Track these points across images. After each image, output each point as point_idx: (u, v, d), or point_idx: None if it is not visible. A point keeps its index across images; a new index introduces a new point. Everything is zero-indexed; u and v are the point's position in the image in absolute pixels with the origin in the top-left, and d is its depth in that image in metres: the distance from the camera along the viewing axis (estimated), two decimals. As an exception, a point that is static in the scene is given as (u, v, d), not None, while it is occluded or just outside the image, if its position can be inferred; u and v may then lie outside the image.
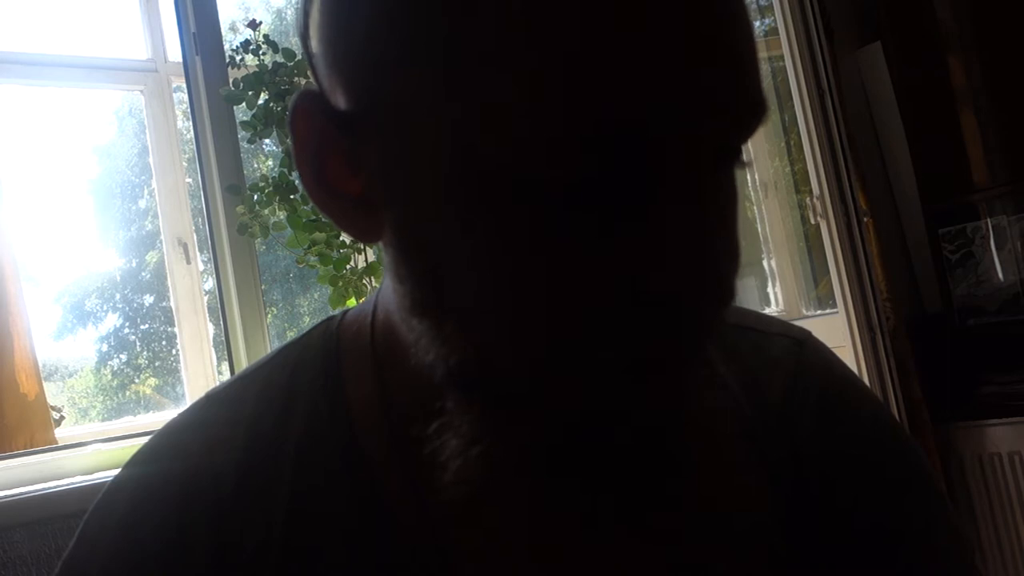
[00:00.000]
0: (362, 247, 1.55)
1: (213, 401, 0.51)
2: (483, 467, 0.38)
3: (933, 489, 0.51)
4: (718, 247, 0.35)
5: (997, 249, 2.24)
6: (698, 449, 0.39)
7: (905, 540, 0.48)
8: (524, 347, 0.36)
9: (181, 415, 0.51)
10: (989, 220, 2.25)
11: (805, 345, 0.53)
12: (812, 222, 2.10)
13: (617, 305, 0.35)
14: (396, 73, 0.36)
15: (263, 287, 1.66)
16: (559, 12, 0.32)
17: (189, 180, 1.87)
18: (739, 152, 0.38)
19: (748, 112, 0.36)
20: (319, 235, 1.52)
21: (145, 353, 1.98)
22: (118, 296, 1.98)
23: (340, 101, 0.39)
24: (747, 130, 0.36)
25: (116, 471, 0.51)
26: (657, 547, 0.41)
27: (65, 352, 1.94)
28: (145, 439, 0.52)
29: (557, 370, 0.36)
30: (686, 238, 0.34)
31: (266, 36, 1.56)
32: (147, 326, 2.00)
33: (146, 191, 1.98)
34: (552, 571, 0.40)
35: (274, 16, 2.38)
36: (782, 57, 2.10)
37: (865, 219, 2.04)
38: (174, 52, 1.83)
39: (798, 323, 0.56)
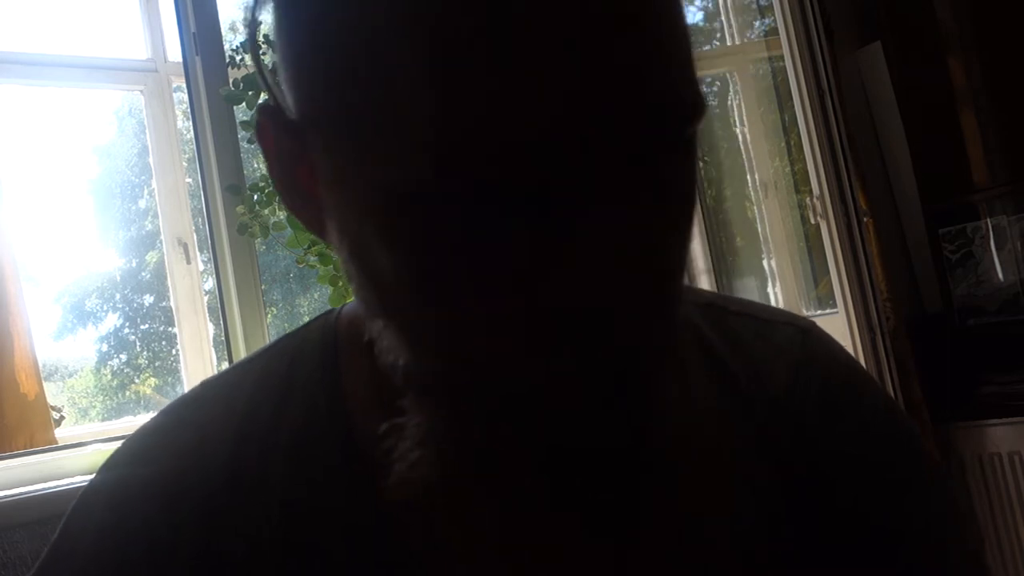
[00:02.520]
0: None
1: (208, 388, 0.51)
2: (425, 470, 0.39)
3: (937, 478, 0.51)
4: (643, 248, 0.34)
5: (997, 249, 2.24)
6: (665, 454, 0.39)
7: (910, 529, 0.48)
8: (451, 356, 0.37)
9: (170, 407, 0.51)
10: (989, 220, 2.25)
11: (809, 334, 0.53)
12: (812, 222, 2.10)
13: (532, 316, 0.35)
14: (326, 91, 0.37)
15: (263, 287, 1.66)
16: (442, 32, 0.32)
17: (189, 180, 1.86)
18: (679, 144, 0.36)
19: (661, 113, 0.34)
20: (319, 235, 1.51)
21: (145, 353, 1.98)
22: (118, 296, 1.98)
23: (291, 113, 0.41)
24: (667, 130, 0.35)
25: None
26: (617, 552, 0.41)
27: (65, 352, 1.94)
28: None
29: (486, 378, 0.37)
30: (592, 249, 0.33)
31: (266, 36, 1.56)
32: (147, 326, 2.00)
33: (146, 191, 1.98)
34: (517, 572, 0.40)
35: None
36: (782, 57, 2.10)
37: (865, 219, 2.04)
38: (174, 52, 1.83)
39: (799, 321, 0.56)
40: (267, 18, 0.43)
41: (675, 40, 0.35)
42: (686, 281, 0.40)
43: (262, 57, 0.45)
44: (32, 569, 0.47)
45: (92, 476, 0.50)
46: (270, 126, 0.42)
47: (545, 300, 0.34)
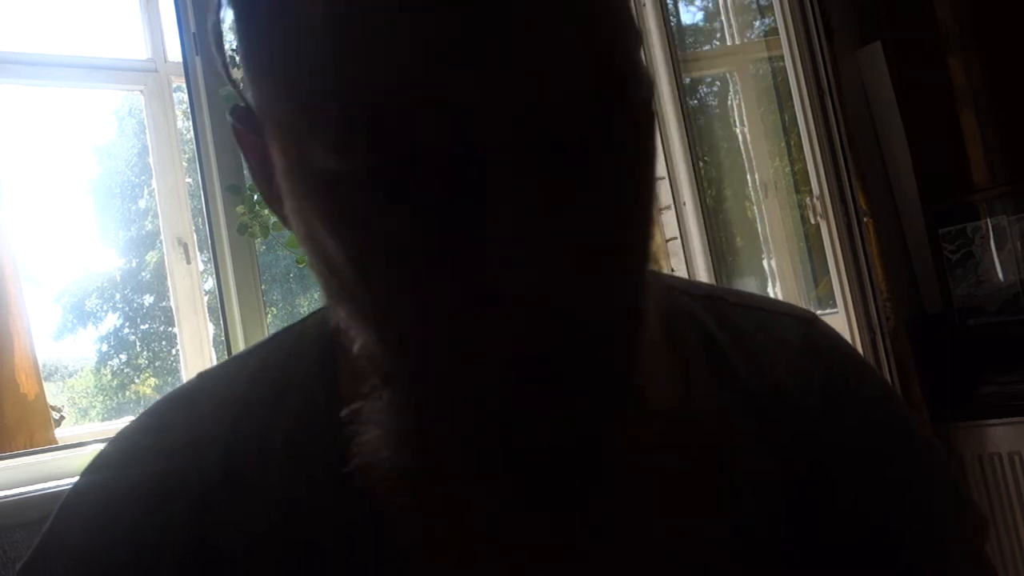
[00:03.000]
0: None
1: (203, 382, 0.51)
2: (389, 455, 0.39)
3: (943, 463, 0.51)
4: (571, 236, 0.33)
5: (997, 249, 2.24)
6: (630, 454, 0.39)
7: (911, 527, 0.48)
8: (393, 341, 0.37)
9: (158, 404, 0.50)
10: (989, 220, 2.25)
11: (811, 325, 0.53)
12: (812, 222, 2.10)
13: (468, 310, 0.35)
14: (265, 87, 0.38)
15: (263, 287, 1.66)
16: (347, 9, 0.32)
17: (189, 180, 1.86)
18: (613, 124, 0.35)
19: (583, 83, 0.33)
20: (319, 235, 1.51)
21: (145, 353, 1.98)
22: (118, 296, 1.98)
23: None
24: (594, 101, 0.34)
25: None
26: (579, 548, 0.41)
27: (65, 352, 1.94)
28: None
29: (426, 363, 0.37)
30: (518, 225, 0.33)
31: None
32: (147, 326, 2.00)
33: (146, 191, 1.98)
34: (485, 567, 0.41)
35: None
36: (782, 57, 2.10)
37: (865, 219, 2.04)
38: (174, 52, 1.83)
39: (799, 322, 0.56)
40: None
41: (602, 12, 0.34)
42: (687, 275, 0.40)
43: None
44: (18, 567, 0.47)
45: (77, 477, 0.49)
46: (241, 127, 0.43)
47: (471, 278, 0.34)
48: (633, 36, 0.36)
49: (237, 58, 0.42)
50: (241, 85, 0.42)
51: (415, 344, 0.37)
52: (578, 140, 0.34)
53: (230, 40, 0.42)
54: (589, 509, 0.41)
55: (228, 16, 0.41)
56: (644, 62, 0.37)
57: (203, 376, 0.51)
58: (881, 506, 0.48)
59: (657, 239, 2.40)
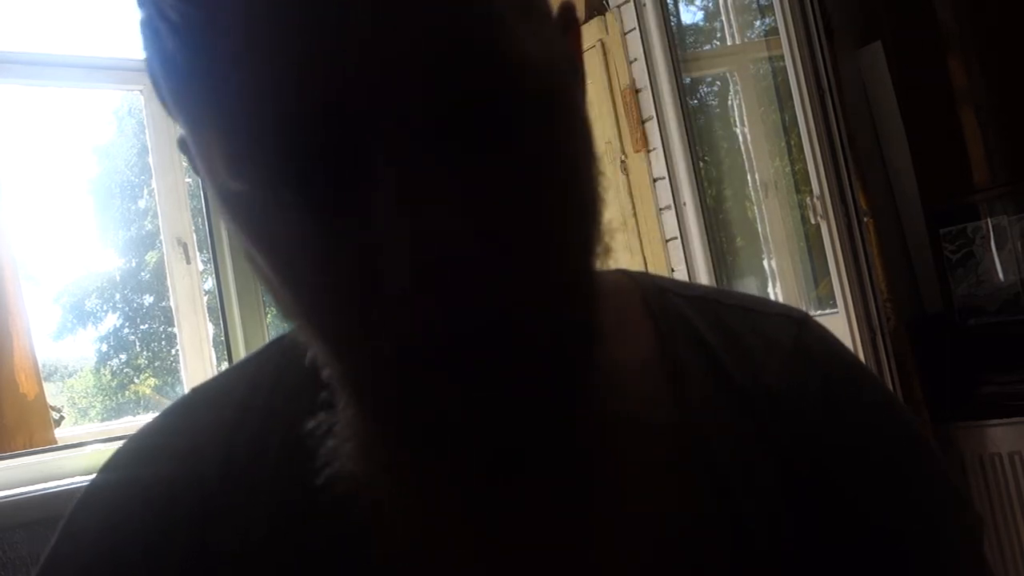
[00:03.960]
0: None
1: (202, 392, 0.51)
2: (357, 464, 0.40)
3: (939, 463, 0.51)
4: (468, 233, 0.33)
5: (997, 249, 2.24)
6: (595, 445, 0.39)
7: (910, 528, 0.48)
8: (326, 351, 0.38)
9: (169, 409, 0.51)
10: (989, 220, 2.25)
11: (805, 325, 0.52)
12: (812, 222, 2.10)
13: (368, 302, 0.35)
14: (176, 105, 0.39)
15: (263, 287, 1.65)
16: (215, 31, 0.33)
17: (189, 180, 1.86)
18: (509, 115, 0.35)
19: (452, 84, 0.33)
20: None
21: (145, 353, 1.98)
22: (118, 296, 1.98)
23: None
24: (470, 101, 0.33)
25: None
26: (561, 548, 0.41)
27: (65, 352, 1.94)
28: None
29: (359, 367, 0.38)
30: (408, 228, 0.32)
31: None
32: (147, 326, 2.00)
33: (146, 191, 1.98)
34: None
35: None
36: (782, 57, 2.10)
37: (865, 219, 2.04)
38: (174, 52, 1.82)
39: (799, 323, 0.56)
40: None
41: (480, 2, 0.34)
42: (687, 275, 0.40)
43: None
44: (34, 570, 0.47)
45: (93, 476, 0.50)
46: (188, 157, 0.43)
47: (364, 271, 0.34)
48: (523, 23, 0.35)
49: None
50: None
51: (337, 344, 0.38)
52: (458, 128, 0.34)
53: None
54: (561, 506, 0.40)
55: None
56: (547, 49, 0.36)
57: (208, 385, 0.52)
58: (879, 506, 0.48)
59: (657, 239, 2.40)
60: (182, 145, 0.43)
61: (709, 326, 0.51)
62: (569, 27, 0.43)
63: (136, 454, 0.49)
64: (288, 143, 0.33)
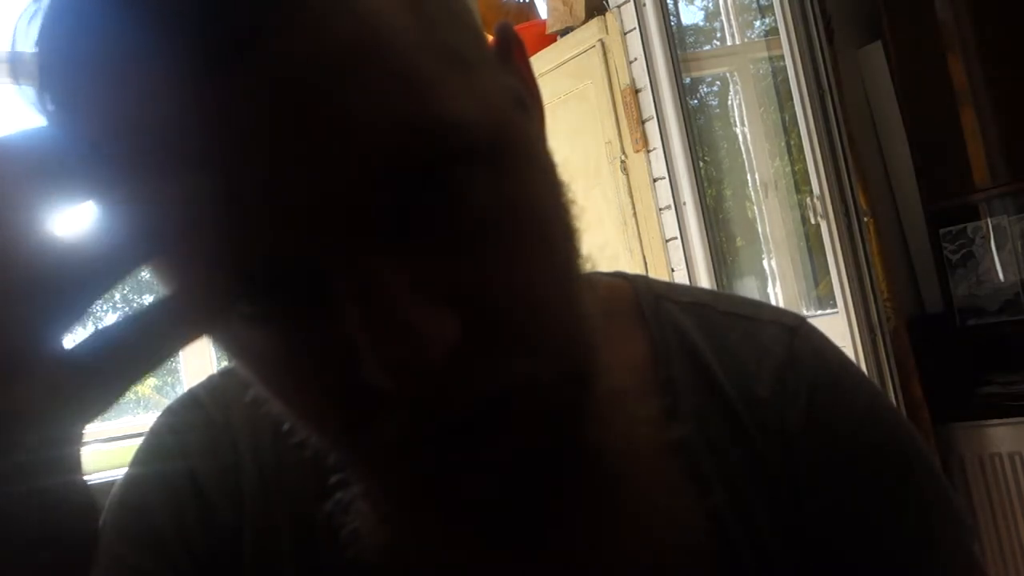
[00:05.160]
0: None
1: (213, 383, 0.52)
2: (379, 537, 0.40)
3: (930, 478, 0.50)
4: (442, 315, 0.32)
5: (997, 249, 2.24)
6: (602, 480, 0.39)
7: (900, 532, 0.48)
8: (325, 439, 0.39)
9: (176, 402, 0.52)
10: (989, 220, 2.25)
11: (797, 332, 0.52)
12: (812, 222, 2.10)
13: (358, 397, 0.34)
14: None
15: (263, 287, 1.65)
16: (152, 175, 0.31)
17: (189, 180, 1.86)
18: (452, 185, 0.33)
19: (383, 170, 0.31)
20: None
21: (145, 353, 1.98)
22: (118, 296, 1.98)
23: None
24: (410, 174, 0.32)
25: (116, 471, 0.52)
26: (561, 569, 0.41)
27: (65, 352, 1.94)
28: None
29: (353, 451, 0.38)
30: (370, 323, 0.31)
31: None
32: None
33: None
34: None
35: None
36: (782, 57, 2.10)
37: (865, 219, 2.04)
38: (174, 52, 1.82)
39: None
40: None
41: (382, 77, 0.31)
42: (687, 275, 0.40)
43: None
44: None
45: (94, 475, 0.51)
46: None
47: (349, 379, 0.33)
48: (452, 78, 0.33)
49: None
50: None
51: (335, 438, 0.38)
52: (405, 209, 0.32)
53: None
54: (556, 541, 0.40)
55: None
56: (458, 107, 0.33)
57: (212, 379, 0.52)
58: (866, 516, 0.48)
59: (657, 239, 2.40)
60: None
61: (702, 334, 0.51)
62: (510, 51, 0.41)
63: (150, 450, 0.50)
64: (248, 277, 0.31)
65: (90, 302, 0.29)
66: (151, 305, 0.30)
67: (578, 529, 0.39)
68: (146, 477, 0.49)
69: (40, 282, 0.28)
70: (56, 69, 0.33)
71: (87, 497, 0.31)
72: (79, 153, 0.30)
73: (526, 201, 0.36)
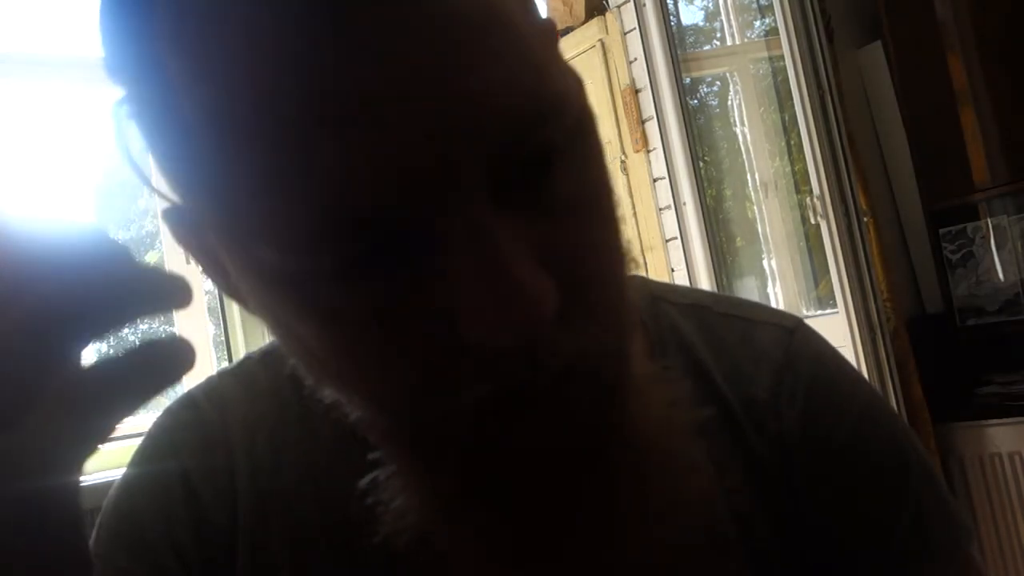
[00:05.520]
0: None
1: (208, 391, 0.52)
2: (413, 518, 0.39)
3: (927, 480, 0.50)
4: (537, 276, 0.33)
5: (997, 249, 2.24)
6: (636, 462, 0.39)
7: (897, 533, 0.48)
8: (380, 404, 0.38)
9: (175, 405, 0.52)
10: (989, 220, 2.25)
11: (795, 334, 0.52)
12: (812, 222, 2.10)
13: (450, 367, 0.34)
14: (196, 192, 0.37)
15: (263, 287, 1.65)
16: (282, 110, 0.31)
17: (189, 180, 1.86)
18: (545, 156, 0.35)
19: (506, 122, 0.32)
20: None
21: (145, 353, 1.99)
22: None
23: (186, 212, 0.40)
24: (522, 135, 0.33)
25: (116, 471, 0.52)
26: (596, 558, 0.41)
27: (65, 352, 1.94)
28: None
29: (425, 426, 0.37)
30: (481, 280, 0.32)
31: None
32: (147, 326, 2.00)
33: (146, 191, 1.98)
34: None
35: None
36: (782, 57, 2.11)
37: (865, 219, 2.04)
38: (174, 52, 1.82)
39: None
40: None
41: (502, 47, 0.33)
42: (687, 275, 0.39)
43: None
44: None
45: (94, 475, 0.51)
46: (176, 226, 0.41)
47: (447, 337, 0.33)
48: (534, 57, 0.35)
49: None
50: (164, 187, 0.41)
51: (404, 412, 0.37)
52: (516, 177, 0.34)
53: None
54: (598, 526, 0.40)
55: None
56: (561, 84, 0.36)
57: (210, 380, 0.53)
58: (860, 519, 0.48)
59: (657, 239, 2.40)
60: (176, 217, 0.40)
61: (700, 336, 0.51)
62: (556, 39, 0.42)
63: (146, 450, 0.50)
64: (361, 225, 0.32)
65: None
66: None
67: (613, 510, 0.40)
68: (139, 480, 0.49)
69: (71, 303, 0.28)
70: (189, 23, 0.33)
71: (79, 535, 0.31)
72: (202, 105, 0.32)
73: (601, 179, 0.38)
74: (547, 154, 0.34)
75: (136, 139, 0.39)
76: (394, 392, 0.36)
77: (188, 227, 0.40)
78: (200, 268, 0.42)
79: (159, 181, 0.39)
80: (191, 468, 0.48)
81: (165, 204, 0.41)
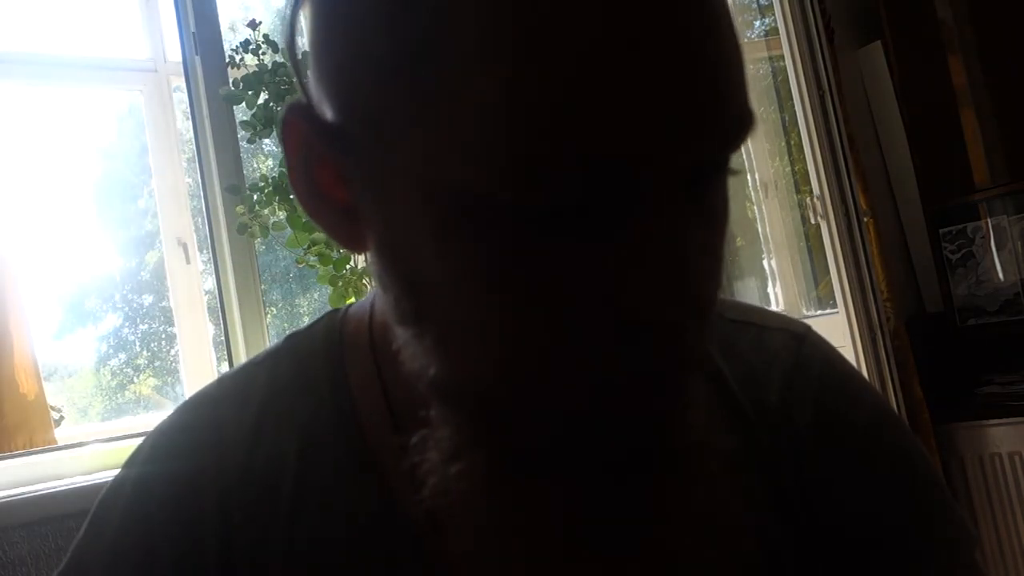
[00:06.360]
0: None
1: (224, 387, 0.51)
2: (460, 482, 0.38)
3: (932, 485, 0.51)
4: (698, 267, 0.34)
5: (997, 249, 2.24)
6: (685, 462, 0.39)
7: (901, 538, 0.48)
8: (498, 366, 0.36)
9: (187, 404, 0.52)
10: (989, 220, 2.25)
11: (804, 340, 0.53)
12: (812, 222, 2.10)
13: (591, 327, 0.34)
14: (371, 93, 0.36)
15: (263, 287, 1.66)
16: (523, 41, 0.31)
17: (189, 180, 1.87)
18: (726, 165, 0.37)
19: (729, 129, 0.35)
20: (319, 235, 1.51)
21: (145, 353, 1.98)
22: (118, 296, 1.98)
23: (326, 113, 0.39)
24: (731, 145, 0.35)
25: (116, 471, 0.51)
26: (641, 558, 0.41)
27: (65, 352, 1.94)
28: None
29: (532, 391, 0.36)
30: (661, 260, 0.33)
31: (266, 36, 1.56)
32: (147, 326, 2.00)
33: (146, 191, 1.98)
34: None
35: (274, 16, 2.38)
36: (782, 57, 2.10)
37: (865, 219, 2.04)
38: (174, 52, 1.83)
39: (798, 322, 0.56)
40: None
41: (736, 56, 0.35)
42: None
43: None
44: (60, 564, 0.48)
45: (109, 472, 0.51)
46: (300, 125, 0.40)
47: (605, 314, 0.34)
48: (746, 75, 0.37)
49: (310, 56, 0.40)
50: (308, 81, 0.40)
51: (509, 368, 0.36)
52: (706, 182, 0.36)
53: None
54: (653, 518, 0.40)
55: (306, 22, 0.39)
56: None
57: (222, 381, 0.52)
58: (869, 524, 0.48)
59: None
60: (303, 113, 0.39)
61: (712, 340, 0.51)
62: None
63: (156, 450, 0.50)
64: (580, 182, 0.32)
65: None
66: None
67: (661, 517, 0.39)
68: (158, 480, 0.48)
69: None
70: None
71: None
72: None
73: (729, 191, 0.39)
74: (726, 166, 0.37)
75: (313, 33, 0.39)
76: (523, 347, 0.35)
77: (320, 134, 0.39)
78: (294, 177, 0.41)
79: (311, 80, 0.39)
80: (216, 468, 0.47)
81: (296, 97, 0.41)
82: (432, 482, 0.39)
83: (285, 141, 0.41)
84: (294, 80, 0.42)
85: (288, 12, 0.42)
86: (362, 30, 0.36)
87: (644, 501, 0.38)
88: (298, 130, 0.40)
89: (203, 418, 0.50)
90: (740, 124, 0.35)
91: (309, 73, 0.40)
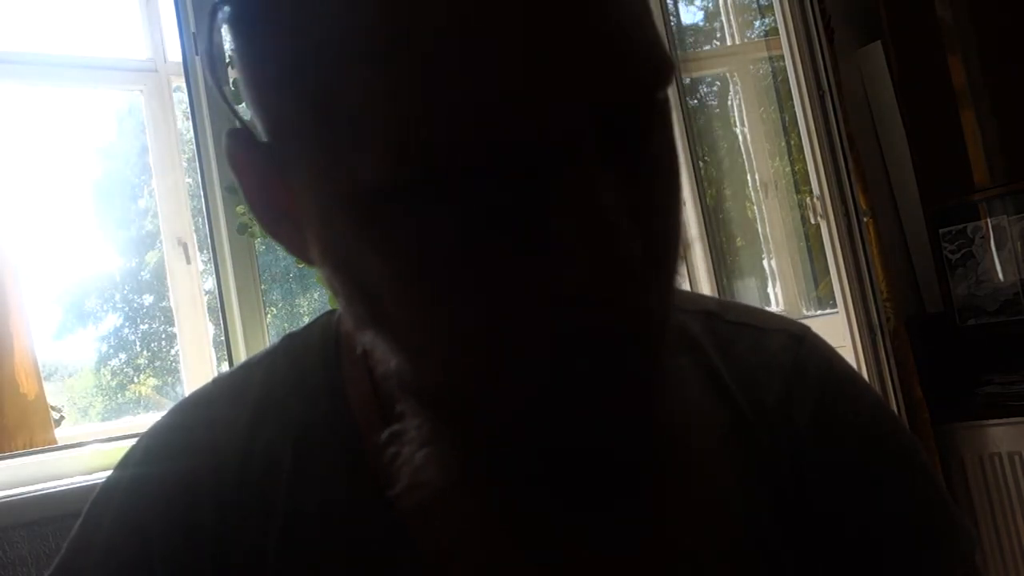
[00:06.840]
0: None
1: (219, 387, 0.51)
2: (432, 474, 0.38)
3: (931, 486, 0.51)
4: (628, 228, 0.33)
5: (997, 249, 2.24)
6: (662, 451, 0.38)
7: (901, 538, 0.48)
8: (449, 360, 0.36)
9: (182, 405, 0.52)
10: (989, 220, 2.25)
11: (804, 341, 0.53)
12: (812, 222, 2.10)
13: (530, 312, 0.34)
14: (280, 103, 0.36)
15: (263, 287, 1.66)
16: (388, 14, 0.31)
17: (189, 180, 1.87)
18: (650, 116, 0.35)
19: (636, 75, 0.33)
20: (319, 235, 1.51)
21: (145, 353, 1.98)
22: (118, 296, 1.98)
23: (261, 134, 0.40)
24: (640, 92, 0.34)
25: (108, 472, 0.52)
26: (614, 551, 0.40)
27: (65, 352, 1.94)
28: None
29: (487, 380, 0.36)
30: (577, 224, 0.32)
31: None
32: (147, 326, 2.00)
33: (146, 191, 1.98)
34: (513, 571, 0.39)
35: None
36: (782, 57, 2.10)
37: (865, 219, 2.04)
38: (174, 52, 1.83)
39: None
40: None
41: (637, 2, 0.35)
42: (688, 287, 0.39)
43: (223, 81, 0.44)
44: (51, 566, 0.48)
45: (109, 472, 0.51)
46: (241, 150, 0.41)
47: (532, 295, 0.33)
48: (655, 23, 0.37)
49: (234, 77, 0.41)
50: (239, 106, 0.42)
51: (459, 362, 0.36)
52: (629, 133, 0.34)
53: (229, 37, 0.40)
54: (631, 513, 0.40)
55: (227, 34, 0.39)
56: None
57: (218, 381, 0.52)
58: (867, 526, 0.48)
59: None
60: (242, 140, 0.40)
61: (710, 342, 0.51)
62: None
63: (152, 450, 0.50)
64: (475, 146, 0.31)
65: None
66: None
67: (642, 506, 0.39)
68: (150, 480, 0.48)
69: None
70: None
71: None
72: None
73: (675, 150, 0.38)
74: (651, 118, 0.35)
75: (231, 42, 0.39)
76: (461, 335, 0.35)
77: (261, 153, 0.39)
78: (251, 200, 0.41)
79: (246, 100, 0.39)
80: (210, 467, 0.47)
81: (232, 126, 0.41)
82: (404, 473, 0.39)
83: (233, 167, 0.41)
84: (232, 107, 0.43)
85: (206, 49, 0.42)
86: (265, 41, 0.36)
87: (613, 494, 0.37)
88: (241, 157, 0.41)
89: (197, 418, 0.50)
90: (649, 69, 0.34)
91: (243, 97, 0.41)
